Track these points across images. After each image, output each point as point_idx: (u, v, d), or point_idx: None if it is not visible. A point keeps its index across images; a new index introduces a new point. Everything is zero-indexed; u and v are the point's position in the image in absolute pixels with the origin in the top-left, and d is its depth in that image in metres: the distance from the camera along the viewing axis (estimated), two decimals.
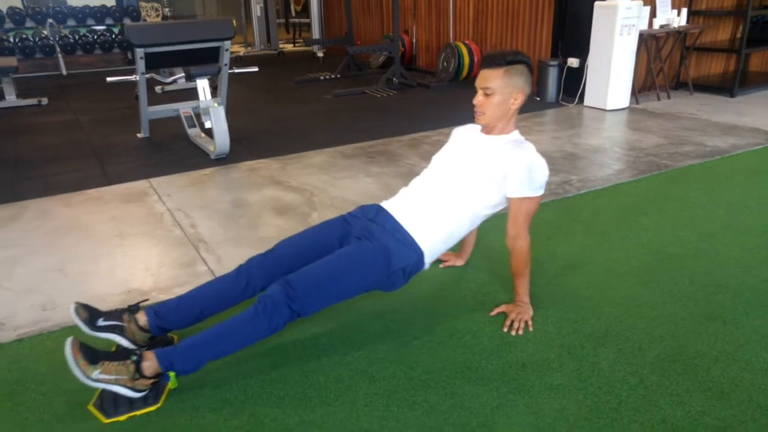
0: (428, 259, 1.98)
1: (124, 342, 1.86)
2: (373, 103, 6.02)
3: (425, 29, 7.70)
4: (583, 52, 5.37)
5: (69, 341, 1.66)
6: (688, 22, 5.69)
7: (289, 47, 11.44)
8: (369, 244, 1.89)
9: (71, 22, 8.86)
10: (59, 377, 1.82)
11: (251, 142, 4.61)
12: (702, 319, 2.03)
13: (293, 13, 12.38)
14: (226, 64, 4.54)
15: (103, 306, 2.22)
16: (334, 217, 2.12)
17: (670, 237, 2.68)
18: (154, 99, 5.92)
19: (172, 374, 1.72)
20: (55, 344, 1.99)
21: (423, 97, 6.16)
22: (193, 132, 4.69)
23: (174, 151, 4.43)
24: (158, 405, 1.70)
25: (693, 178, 3.47)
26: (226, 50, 4.47)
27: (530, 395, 1.69)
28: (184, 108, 4.81)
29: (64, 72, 8.55)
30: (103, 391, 1.72)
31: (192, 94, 6.23)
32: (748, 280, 2.28)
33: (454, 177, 2.01)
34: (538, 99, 5.76)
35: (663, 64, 5.77)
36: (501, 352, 1.89)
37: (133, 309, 1.94)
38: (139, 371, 1.68)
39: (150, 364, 1.70)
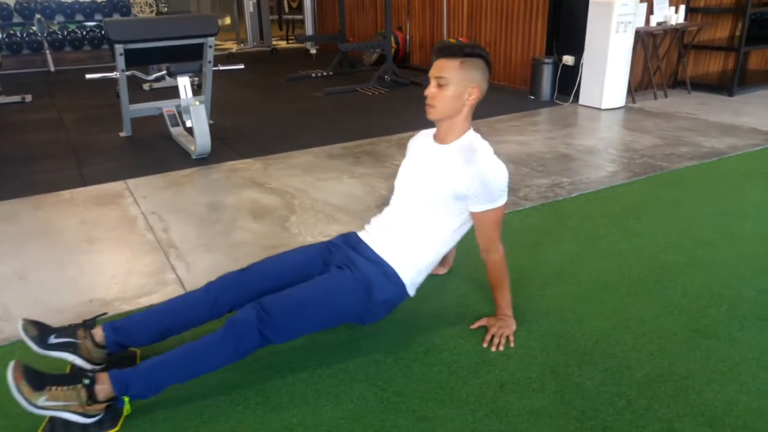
0: (411, 290, 1.90)
1: (78, 361, 1.73)
2: (364, 101, 5.89)
3: (419, 26, 7.56)
4: (578, 49, 5.23)
5: (12, 365, 1.53)
6: (686, 19, 5.55)
7: (283, 44, 11.29)
8: (350, 273, 1.79)
9: (60, 18, 8.70)
10: (5, 399, 1.69)
11: (236, 141, 4.47)
12: (694, 334, 1.91)
13: (287, 10, 12.22)
14: (210, 62, 4.41)
15: (59, 317, 2.10)
16: (316, 242, 2.00)
17: (664, 243, 2.56)
18: (141, 97, 5.77)
19: (126, 399, 1.59)
20: (2, 361, 1.86)
21: (415, 96, 6.01)
22: (176, 131, 4.55)
23: (155, 151, 4.29)
24: (115, 429, 1.57)
25: (689, 180, 3.34)
26: (210, 47, 4.34)
27: (507, 420, 1.57)
28: (167, 106, 4.67)
29: (52, 68, 8.39)
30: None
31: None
32: (744, 291, 2.15)
33: (420, 201, 1.87)
34: (532, 98, 5.63)
35: (660, 63, 5.63)
36: (479, 370, 1.77)
37: (89, 324, 1.79)
38: (91, 396, 1.54)
39: (104, 387, 1.56)
